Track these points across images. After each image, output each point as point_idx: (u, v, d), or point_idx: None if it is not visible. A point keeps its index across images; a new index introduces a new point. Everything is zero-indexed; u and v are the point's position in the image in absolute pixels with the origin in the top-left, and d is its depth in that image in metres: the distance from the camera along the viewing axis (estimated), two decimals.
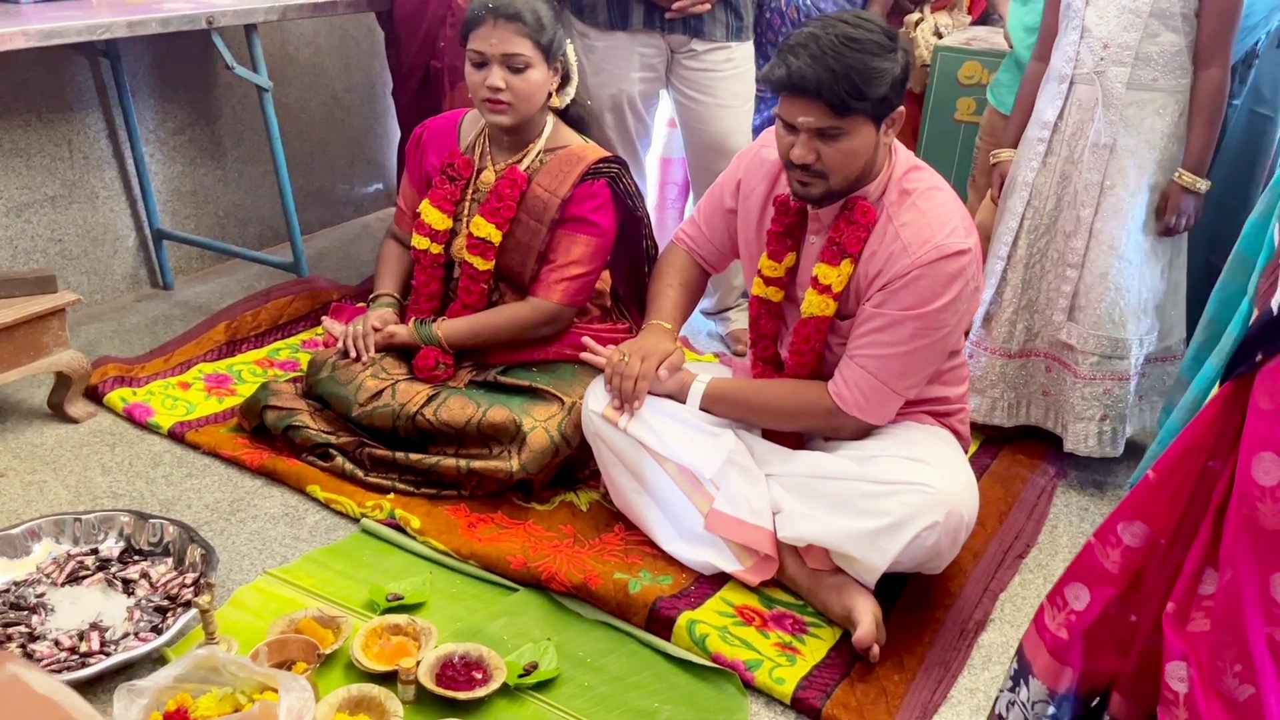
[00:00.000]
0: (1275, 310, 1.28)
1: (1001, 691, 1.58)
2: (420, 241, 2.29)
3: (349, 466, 2.18)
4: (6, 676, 0.78)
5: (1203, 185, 2.20)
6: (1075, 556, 1.47)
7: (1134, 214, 2.22)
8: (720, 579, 1.94)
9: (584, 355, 2.12)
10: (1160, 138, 2.19)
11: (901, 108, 1.78)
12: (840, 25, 1.70)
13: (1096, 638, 1.45)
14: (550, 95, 2.20)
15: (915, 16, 3.19)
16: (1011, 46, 2.72)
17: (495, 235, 2.21)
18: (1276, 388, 1.26)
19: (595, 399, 2.04)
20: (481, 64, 2.11)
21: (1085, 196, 2.23)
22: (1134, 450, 2.45)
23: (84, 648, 1.67)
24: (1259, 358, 1.29)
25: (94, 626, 1.72)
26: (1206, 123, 2.18)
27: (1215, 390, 1.42)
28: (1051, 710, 1.50)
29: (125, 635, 1.72)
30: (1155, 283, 2.30)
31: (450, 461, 2.12)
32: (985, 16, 3.36)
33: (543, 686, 1.69)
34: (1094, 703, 1.52)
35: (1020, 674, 1.54)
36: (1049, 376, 2.41)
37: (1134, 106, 2.17)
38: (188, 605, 1.76)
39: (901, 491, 1.76)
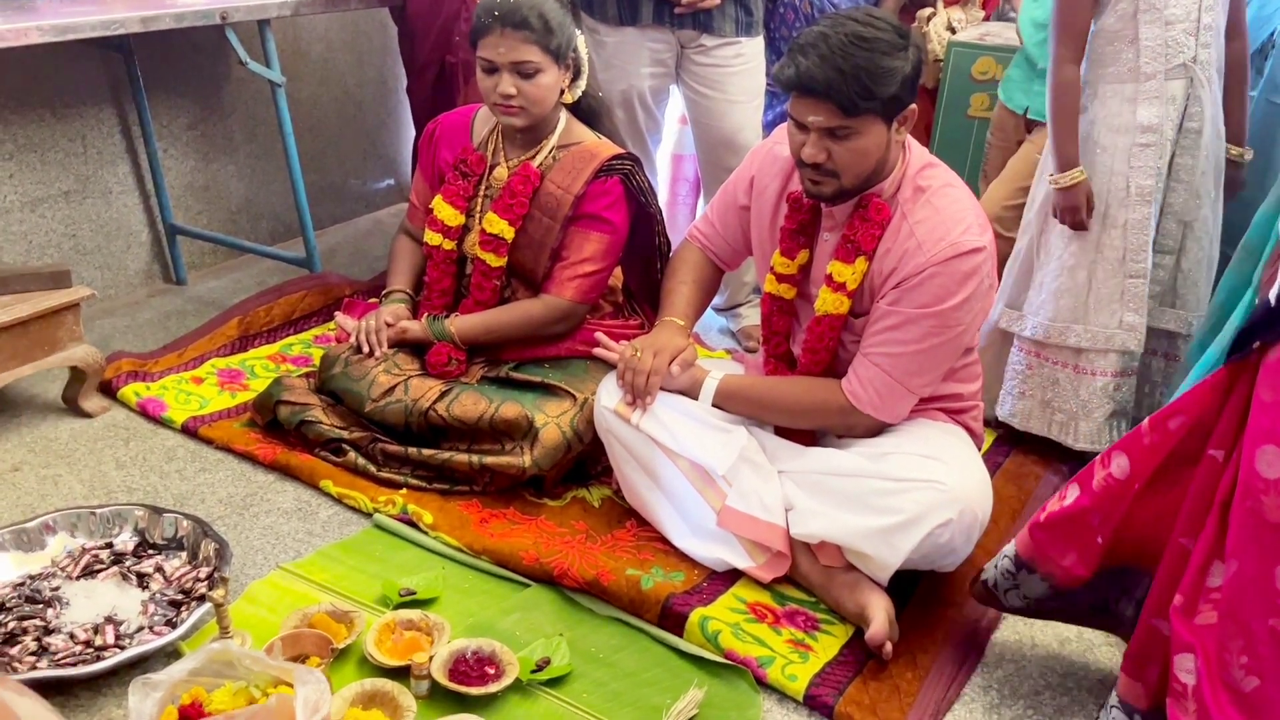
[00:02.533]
0: (1273, 301, 1.29)
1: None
2: (433, 237, 2.29)
3: (362, 462, 2.19)
4: None
5: (1249, 155, 2.23)
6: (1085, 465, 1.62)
7: (1219, 195, 2.25)
8: (733, 575, 1.94)
9: (596, 351, 2.12)
10: (1221, 116, 2.21)
11: (914, 105, 1.77)
12: (850, 24, 1.70)
13: (1064, 532, 1.61)
14: (562, 92, 2.20)
15: (928, 11, 3.19)
16: (1022, 42, 2.70)
17: (508, 232, 2.21)
18: (1278, 381, 1.27)
19: (608, 395, 2.04)
20: (492, 70, 2.11)
21: (1176, 183, 2.20)
22: None
23: (99, 641, 1.68)
24: (1256, 345, 1.30)
25: (109, 620, 1.72)
26: (1244, 93, 2.22)
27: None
28: (1012, 569, 1.70)
29: (140, 629, 1.73)
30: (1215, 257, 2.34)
31: (463, 457, 2.12)
32: (999, 12, 3.35)
33: (555, 682, 1.69)
34: (1061, 593, 1.67)
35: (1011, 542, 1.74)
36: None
37: (1214, 89, 2.17)
38: (202, 599, 1.77)
39: (915, 489, 1.76)
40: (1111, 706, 1.56)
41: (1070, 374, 2.33)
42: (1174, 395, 2.17)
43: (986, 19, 3.32)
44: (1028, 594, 1.70)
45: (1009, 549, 1.71)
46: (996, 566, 1.74)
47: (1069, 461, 2.44)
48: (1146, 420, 1.51)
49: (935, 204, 1.80)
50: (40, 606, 1.74)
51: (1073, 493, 1.60)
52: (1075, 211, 2.22)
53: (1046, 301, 2.31)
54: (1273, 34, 2.50)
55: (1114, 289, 2.23)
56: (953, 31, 3.14)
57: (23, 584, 1.79)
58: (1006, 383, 2.44)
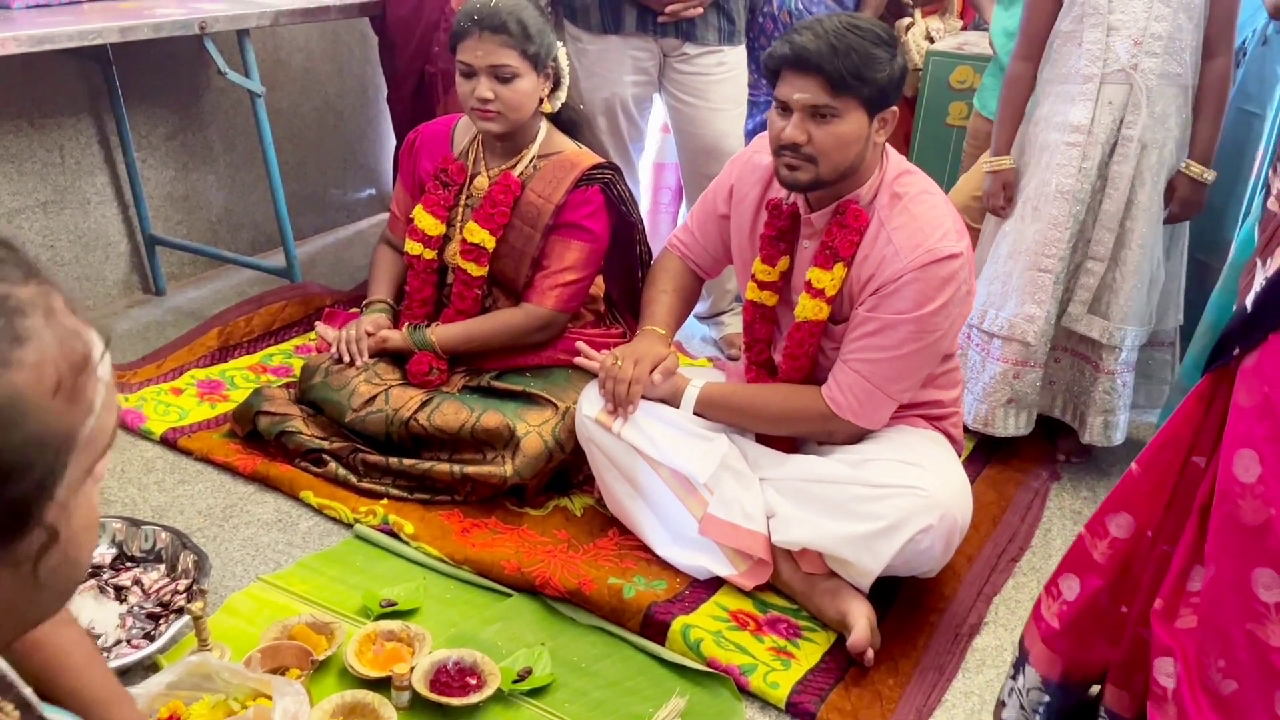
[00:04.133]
0: (1249, 306, 1.30)
1: (1005, 680, 1.62)
2: (413, 247, 2.29)
3: (342, 472, 2.18)
4: None
5: (1210, 176, 2.22)
6: (1069, 548, 1.51)
7: (1159, 209, 2.25)
8: (714, 583, 1.94)
9: (578, 360, 2.12)
10: (1179, 130, 2.21)
11: (895, 108, 1.79)
12: (843, 16, 1.78)
13: (1086, 627, 1.48)
14: (542, 101, 2.20)
15: (906, 21, 3.21)
16: (995, 52, 2.73)
17: (489, 241, 2.21)
18: (1256, 385, 1.27)
19: (589, 404, 2.04)
20: (470, 74, 2.12)
21: (1113, 189, 2.22)
22: (1134, 447, 2.49)
23: None
24: (1236, 352, 1.31)
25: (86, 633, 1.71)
26: (1217, 113, 2.21)
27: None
28: (1046, 698, 1.54)
29: (118, 642, 1.71)
30: (1160, 273, 2.33)
31: (444, 467, 2.12)
32: (976, 22, 3.37)
33: (537, 692, 1.69)
34: (1090, 691, 1.55)
35: (1020, 662, 1.58)
36: (1057, 366, 2.40)
37: (1163, 100, 2.17)
38: (180, 612, 1.76)
39: (895, 495, 1.76)
40: (1099, 716, 1.56)
41: (982, 358, 2.40)
42: (1167, 416, 2.19)
43: (964, 29, 3.35)
44: (1065, 712, 1.57)
45: (1031, 680, 1.55)
46: (1023, 707, 1.56)
47: (1048, 466, 2.46)
48: (1135, 465, 1.46)
49: (912, 211, 1.81)
50: None
51: (1070, 585, 1.50)
52: (993, 196, 2.36)
53: (982, 287, 2.38)
54: (1244, 42, 2.53)
55: (1027, 280, 2.28)
56: (931, 41, 3.16)
57: None
58: None
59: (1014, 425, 2.40)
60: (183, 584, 1.83)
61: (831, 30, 1.72)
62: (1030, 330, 2.29)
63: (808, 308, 1.89)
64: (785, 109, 1.77)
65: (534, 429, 2.11)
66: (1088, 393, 2.39)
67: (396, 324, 2.34)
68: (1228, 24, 2.17)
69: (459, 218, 2.28)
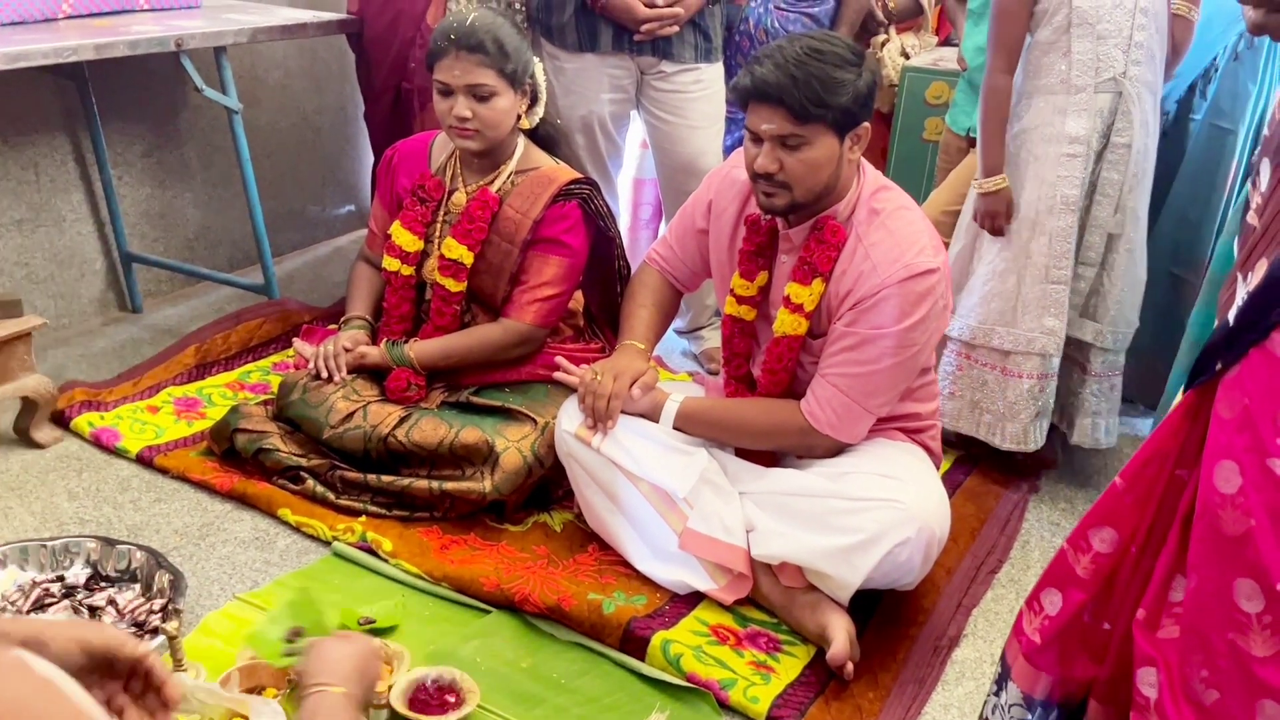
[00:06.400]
0: (1231, 321, 1.31)
1: (988, 695, 1.60)
2: (391, 263, 2.29)
3: (320, 489, 2.17)
4: (11, 658, 0.81)
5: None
6: (1050, 561, 1.49)
7: (1145, 212, 2.30)
8: (694, 598, 1.94)
9: (557, 375, 2.12)
10: (1155, 137, 2.27)
11: (867, 124, 1.80)
12: (807, 39, 1.77)
13: (1069, 643, 1.47)
14: (519, 118, 2.20)
15: (882, 38, 3.23)
16: (965, 67, 2.75)
17: (467, 257, 2.21)
18: (1236, 398, 1.28)
19: (568, 419, 2.04)
20: (447, 93, 2.12)
21: (1102, 196, 2.25)
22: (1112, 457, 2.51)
23: None
24: (1218, 366, 1.32)
25: None
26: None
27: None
28: (1028, 716, 1.52)
29: None
30: (1143, 273, 2.39)
31: (422, 483, 2.11)
32: (951, 38, 3.41)
33: (517, 710, 1.68)
34: (1073, 710, 1.53)
35: (1002, 678, 1.57)
36: None
37: (1144, 106, 2.22)
38: (155, 632, 1.74)
39: (874, 508, 1.77)
40: None
41: (998, 376, 2.38)
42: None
43: (940, 45, 3.38)
44: None
45: (1012, 697, 1.52)
46: None
47: (1027, 479, 2.47)
48: (1119, 479, 1.45)
49: (890, 226, 1.83)
50: None
51: (1052, 599, 1.48)
52: (995, 217, 2.31)
53: (977, 305, 2.37)
54: (1215, 58, 2.56)
55: (1039, 294, 2.29)
56: (906, 57, 3.19)
57: None
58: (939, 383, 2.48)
59: (1040, 437, 2.40)
60: (158, 604, 1.81)
61: (792, 59, 1.72)
62: (1051, 343, 2.30)
63: (786, 322, 1.90)
64: (756, 138, 1.79)
65: (513, 444, 2.11)
66: (1076, 395, 2.42)
67: (374, 340, 2.33)
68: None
69: (437, 234, 2.28)
